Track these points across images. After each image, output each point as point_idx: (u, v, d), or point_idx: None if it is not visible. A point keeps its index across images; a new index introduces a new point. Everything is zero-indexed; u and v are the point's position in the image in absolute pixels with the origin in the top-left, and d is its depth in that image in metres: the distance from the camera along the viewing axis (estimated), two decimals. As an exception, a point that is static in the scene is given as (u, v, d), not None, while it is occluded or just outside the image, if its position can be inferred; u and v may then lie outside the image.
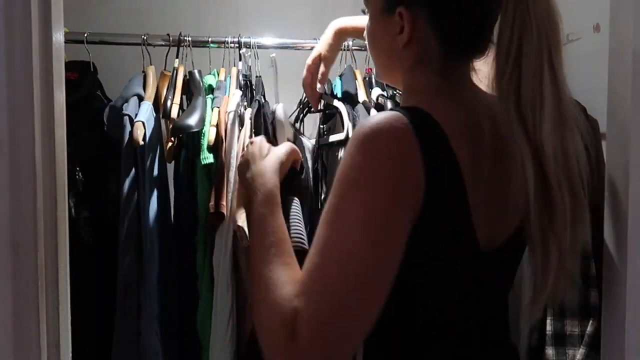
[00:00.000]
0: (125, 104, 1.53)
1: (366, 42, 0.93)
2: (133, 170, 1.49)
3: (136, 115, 1.50)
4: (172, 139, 1.54)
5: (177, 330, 1.52)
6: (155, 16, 2.09)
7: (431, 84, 0.83)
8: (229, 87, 1.65)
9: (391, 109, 0.77)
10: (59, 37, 0.75)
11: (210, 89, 1.64)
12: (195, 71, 1.67)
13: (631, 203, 0.89)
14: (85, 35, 1.64)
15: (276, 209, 0.86)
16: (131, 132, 1.46)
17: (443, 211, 0.74)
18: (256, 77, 1.76)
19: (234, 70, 1.70)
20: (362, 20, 1.17)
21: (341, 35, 1.46)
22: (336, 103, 1.66)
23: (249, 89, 1.72)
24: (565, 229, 0.75)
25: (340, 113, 1.61)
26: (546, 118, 0.74)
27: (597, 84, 1.65)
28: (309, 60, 1.47)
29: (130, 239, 1.46)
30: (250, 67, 1.74)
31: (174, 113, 1.53)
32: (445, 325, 0.83)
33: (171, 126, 1.51)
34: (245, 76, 1.72)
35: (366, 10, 0.91)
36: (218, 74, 1.70)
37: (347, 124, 1.57)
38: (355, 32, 1.43)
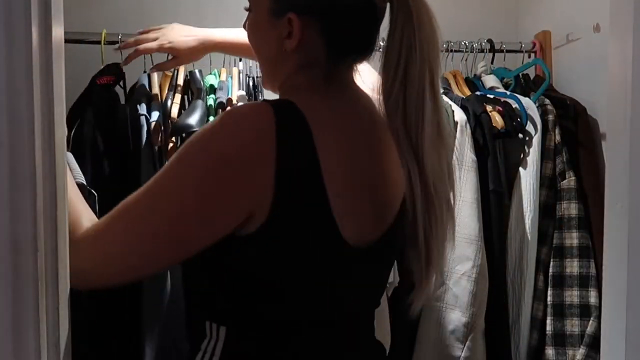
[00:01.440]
0: (138, 104, 1.53)
1: (249, 38, 0.91)
2: (153, 170, 1.49)
3: (150, 115, 1.51)
4: (173, 139, 1.54)
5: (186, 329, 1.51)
6: (155, 16, 2.09)
7: (312, 84, 0.84)
8: (232, 88, 1.65)
9: (263, 100, 0.80)
10: (59, 36, 0.75)
11: (212, 89, 1.64)
12: (196, 71, 1.67)
13: (631, 203, 0.89)
14: (103, 33, 1.64)
15: None
16: (149, 132, 1.47)
17: (298, 205, 0.77)
18: (257, 77, 1.76)
19: (234, 71, 1.70)
20: (235, 35, 1.19)
21: (206, 47, 1.40)
22: None
23: (254, 90, 1.72)
24: (443, 233, 0.82)
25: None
26: (426, 136, 0.79)
27: (597, 84, 1.66)
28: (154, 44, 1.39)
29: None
30: (251, 67, 1.74)
31: (174, 113, 1.53)
32: (311, 317, 0.84)
33: (171, 126, 1.51)
34: (248, 77, 1.72)
35: (248, 7, 0.90)
36: (219, 74, 1.70)
37: None
38: (223, 48, 1.39)
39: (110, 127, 1.51)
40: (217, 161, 0.74)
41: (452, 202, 0.84)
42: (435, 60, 0.81)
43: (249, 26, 0.90)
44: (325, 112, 0.81)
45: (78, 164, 1.38)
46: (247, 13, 0.92)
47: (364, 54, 0.87)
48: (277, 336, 0.83)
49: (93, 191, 1.33)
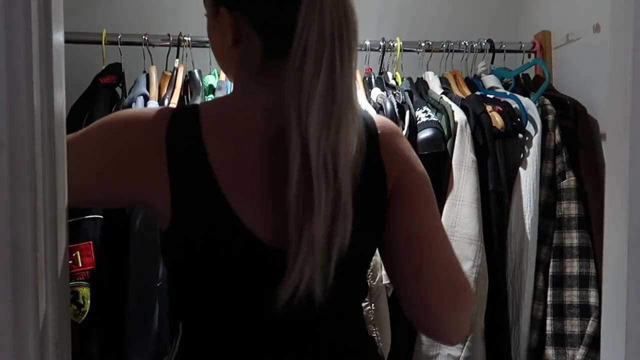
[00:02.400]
0: (134, 103, 1.53)
1: None
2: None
3: None
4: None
5: (150, 341, 1.49)
6: (156, 16, 2.09)
7: (245, 85, 0.86)
8: (231, 88, 1.65)
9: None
10: (59, 37, 0.75)
11: (211, 89, 1.64)
12: (195, 71, 1.67)
13: (631, 203, 0.89)
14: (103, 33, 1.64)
15: None
16: None
17: (195, 197, 0.79)
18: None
19: (234, 71, 1.70)
20: None
21: None
22: None
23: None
24: (321, 224, 0.75)
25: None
26: (314, 111, 0.75)
27: (597, 84, 1.66)
28: None
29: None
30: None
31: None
32: (229, 314, 0.84)
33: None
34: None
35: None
36: (218, 74, 1.71)
37: None
38: None
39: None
40: (111, 139, 0.82)
41: (351, 193, 0.78)
42: (344, 41, 0.77)
43: (207, 31, 0.92)
44: (230, 113, 0.84)
45: None
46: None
47: (289, 46, 0.81)
48: (219, 331, 0.85)
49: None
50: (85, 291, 1.39)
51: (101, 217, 1.43)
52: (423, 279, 0.87)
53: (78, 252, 1.39)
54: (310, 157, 0.75)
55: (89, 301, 1.39)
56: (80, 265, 1.39)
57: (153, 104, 1.55)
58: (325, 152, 0.75)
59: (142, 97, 1.55)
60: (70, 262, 1.36)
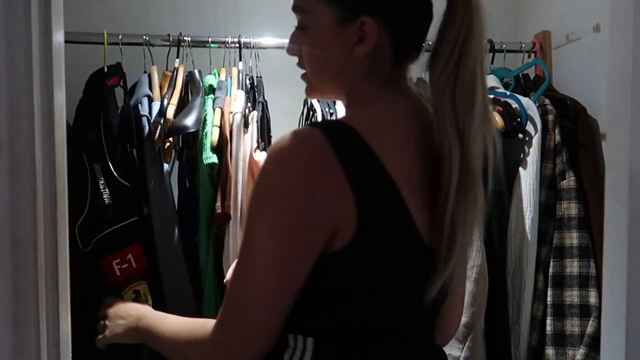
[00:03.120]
0: (140, 105, 1.53)
1: (304, 59, 0.88)
2: (158, 169, 1.51)
3: (150, 115, 1.53)
4: (171, 139, 1.54)
5: None
6: (156, 16, 2.09)
7: (376, 93, 0.85)
8: (231, 88, 1.65)
9: (310, 124, 0.82)
10: (59, 37, 0.75)
11: (211, 89, 1.64)
12: (196, 71, 1.67)
13: (631, 203, 0.89)
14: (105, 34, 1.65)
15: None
16: (150, 132, 1.49)
17: (382, 216, 0.78)
18: (257, 77, 1.76)
19: (234, 71, 1.70)
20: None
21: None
22: (314, 103, 1.67)
23: (253, 90, 1.72)
24: (470, 222, 0.81)
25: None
26: (475, 118, 0.80)
27: (597, 84, 1.66)
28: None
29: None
30: (251, 67, 1.75)
31: (169, 114, 1.53)
32: (391, 324, 0.85)
33: (168, 127, 1.51)
34: (248, 77, 1.72)
35: (300, 25, 0.88)
36: (218, 74, 1.71)
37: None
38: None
39: (120, 125, 1.54)
40: (287, 200, 0.75)
41: (483, 195, 0.84)
42: (485, 46, 0.84)
43: (307, 45, 0.87)
44: (384, 121, 0.82)
45: (114, 160, 1.47)
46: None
47: (417, 53, 0.88)
48: (361, 345, 0.83)
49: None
50: (144, 288, 1.45)
51: (137, 217, 1.47)
52: None
53: (131, 255, 1.44)
54: (472, 156, 0.79)
55: (150, 296, 1.44)
56: (135, 265, 1.44)
57: (157, 105, 1.55)
58: (481, 147, 0.81)
59: (146, 98, 1.56)
60: (125, 265, 1.43)
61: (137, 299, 1.43)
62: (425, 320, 0.91)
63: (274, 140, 1.68)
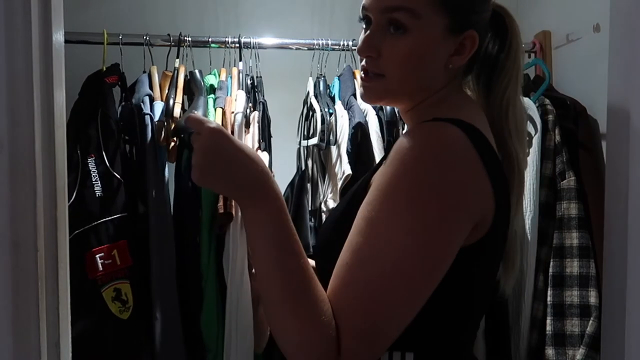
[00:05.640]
0: (142, 103, 1.54)
1: (392, 62, 0.84)
2: (159, 168, 1.51)
3: (154, 114, 1.53)
4: (175, 138, 1.54)
5: (179, 330, 1.51)
6: (155, 16, 2.09)
7: (458, 97, 0.90)
8: (231, 88, 1.65)
9: (435, 119, 0.78)
10: (59, 37, 0.75)
11: (212, 89, 1.64)
12: (196, 71, 1.67)
13: (631, 203, 0.89)
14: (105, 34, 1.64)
15: (284, 208, 0.78)
16: (153, 130, 1.50)
17: (505, 216, 0.82)
18: (257, 77, 1.76)
19: (234, 71, 1.70)
20: None
21: None
22: (314, 103, 1.67)
23: (253, 90, 1.72)
24: (521, 215, 0.94)
25: (318, 114, 1.62)
26: (520, 130, 0.91)
27: (597, 84, 1.66)
28: None
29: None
30: (251, 67, 1.75)
31: (176, 112, 1.53)
32: (474, 332, 0.90)
33: (173, 126, 1.51)
34: (248, 77, 1.72)
35: (398, 26, 0.82)
36: (218, 74, 1.71)
37: (319, 127, 1.61)
38: None
39: (121, 122, 1.55)
40: (444, 193, 0.73)
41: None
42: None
43: (403, 48, 0.82)
44: (483, 124, 0.85)
45: (108, 152, 1.46)
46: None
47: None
48: (456, 356, 0.84)
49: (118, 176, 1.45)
50: (126, 287, 1.43)
51: (126, 214, 1.46)
52: None
53: (116, 251, 1.42)
54: (521, 162, 0.91)
55: (132, 297, 1.43)
56: (119, 263, 1.42)
57: (159, 105, 1.56)
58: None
59: (147, 97, 1.56)
60: (109, 261, 1.41)
61: (117, 297, 1.41)
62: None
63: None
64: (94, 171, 1.44)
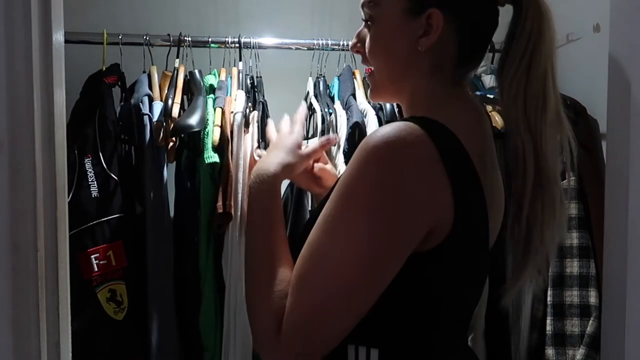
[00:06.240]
0: (141, 104, 1.54)
1: (369, 53, 0.87)
2: (158, 168, 1.51)
3: (152, 114, 1.53)
4: (174, 138, 1.54)
5: (176, 329, 1.52)
6: (155, 16, 2.09)
7: (443, 93, 0.84)
8: (231, 87, 1.65)
9: (402, 119, 0.77)
10: (59, 37, 0.75)
11: (212, 89, 1.64)
12: (196, 71, 1.67)
13: (631, 203, 0.89)
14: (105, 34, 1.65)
15: (278, 197, 0.89)
16: (151, 131, 1.50)
17: (471, 220, 0.77)
18: (257, 77, 1.76)
19: (234, 71, 1.70)
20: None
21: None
22: (314, 103, 1.67)
23: (253, 90, 1.72)
24: (552, 219, 0.81)
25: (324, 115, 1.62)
26: (548, 118, 0.81)
27: (597, 84, 1.65)
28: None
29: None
30: (251, 67, 1.75)
31: (175, 113, 1.53)
32: (453, 337, 0.85)
33: (172, 126, 1.51)
34: (248, 77, 1.72)
35: (368, 18, 0.86)
36: (218, 74, 1.71)
37: (320, 126, 1.61)
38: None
39: (120, 122, 1.55)
40: (394, 195, 0.72)
41: (563, 194, 0.84)
42: (555, 45, 0.85)
43: (372, 37, 0.86)
44: (460, 122, 0.80)
45: (105, 153, 1.46)
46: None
47: (479, 62, 0.90)
48: (427, 356, 0.81)
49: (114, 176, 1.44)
50: (121, 288, 1.43)
51: (122, 215, 1.46)
52: None
53: (111, 252, 1.42)
54: (545, 156, 0.82)
55: (127, 298, 1.42)
56: (114, 263, 1.42)
57: (158, 105, 1.56)
58: (558, 148, 0.84)
59: (146, 97, 1.56)
60: (104, 261, 1.41)
61: (112, 298, 1.41)
62: (468, 325, 0.92)
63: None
64: (90, 172, 1.44)
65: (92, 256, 1.40)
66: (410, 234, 0.72)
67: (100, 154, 1.46)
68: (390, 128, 0.73)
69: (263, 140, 1.62)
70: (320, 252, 0.73)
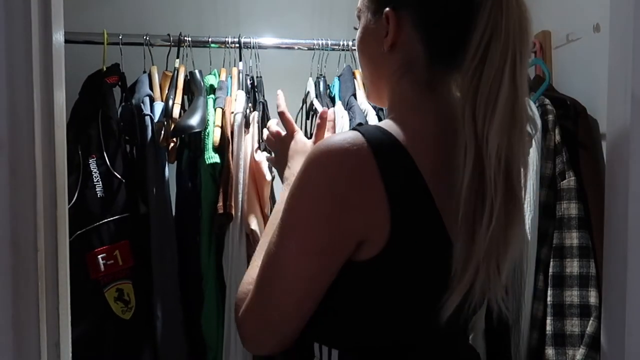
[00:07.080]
0: (142, 104, 1.54)
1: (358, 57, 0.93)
2: (160, 168, 1.52)
3: (154, 114, 1.54)
4: (175, 139, 1.54)
5: (181, 330, 1.51)
6: (156, 16, 2.09)
7: (414, 95, 0.83)
8: (231, 88, 1.65)
9: (352, 129, 0.78)
10: (59, 37, 0.75)
11: (212, 89, 1.64)
12: (196, 71, 1.67)
13: (631, 203, 0.89)
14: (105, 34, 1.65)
15: None
16: (153, 131, 1.50)
17: (417, 227, 0.76)
18: (257, 77, 1.76)
19: (234, 71, 1.70)
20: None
21: None
22: (315, 104, 1.67)
23: (253, 90, 1.72)
24: (496, 228, 0.75)
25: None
26: (496, 118, 0.75)
27: (597, 84, 1.66)
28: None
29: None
30: (251, 67, 1.75)
31: (175, 113, 1.53)
32: (419, 337, 0.84)
33: (173, 127, 1.51)
34: (248, 77, 1.72)
35: (357, 26, 0.91)
36: (218, 74, 1.71)
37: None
38: None
39: (122, 123, 1.56)
40: (326, 209, 0.74)
41: (522, 193, 0.80)
42: (522, 44, 0.79)
43: (356, 41, 0.91)
44: (424, 130, 0.79)
45: (109, 153, 1.47)
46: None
47: (457, 62, 0.80)
48: (385, 358, 0.81)
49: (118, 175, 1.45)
50: (129, 288, 1.44)
51: (128, 214, 1.46)
52: None
53: (118, 251, 1.43)
54: (487, 157, 0.75)
55: (134, 297, 1.43)
56: (121, 263, 1.43)
57: (159, 105, 1.56)
58: (509, 147, 0.78)
59: (147, 97, 1.57)
60: (111, 261, 1.42)
61: (120, 298, 1.42)
62: (456, 329, 0.89)
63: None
64: (95, 172, 1.44)
65: (99, 256, 1.41)
66: (335, 238, 0.74)
67: (105, 154, 1.47)
68: (338, 136, 0.75)
69: (263, 141, 1.63)
70: (266, 255, 0.79)
